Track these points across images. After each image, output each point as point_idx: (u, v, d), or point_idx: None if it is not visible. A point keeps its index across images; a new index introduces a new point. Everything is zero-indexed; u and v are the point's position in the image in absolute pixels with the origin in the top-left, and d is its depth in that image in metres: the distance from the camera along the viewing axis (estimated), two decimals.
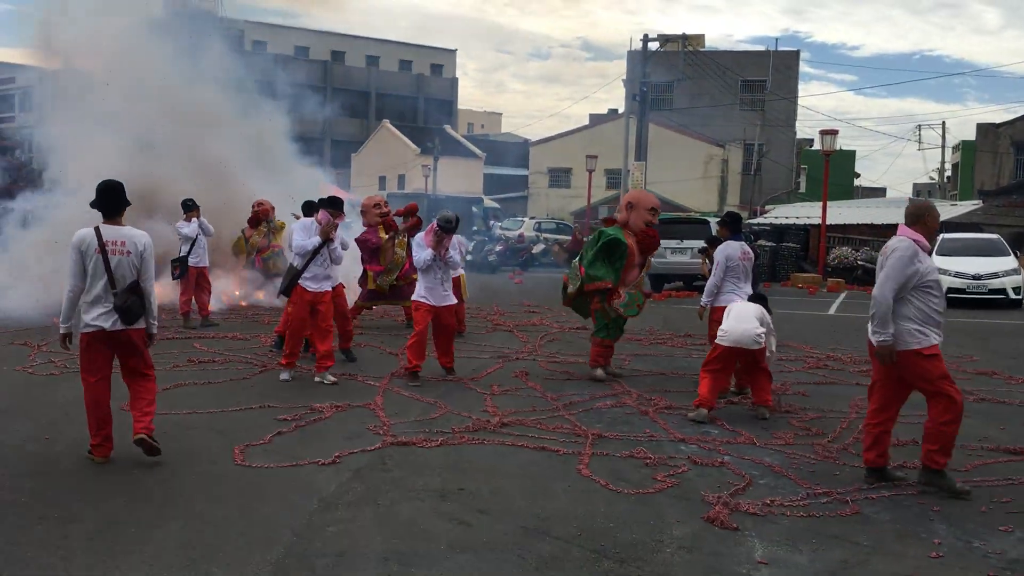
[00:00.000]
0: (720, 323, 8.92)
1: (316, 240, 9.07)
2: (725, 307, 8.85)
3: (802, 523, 5.41)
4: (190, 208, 13.17)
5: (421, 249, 9.32)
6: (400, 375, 9.51)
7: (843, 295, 22.70)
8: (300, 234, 9.23)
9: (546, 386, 9.31)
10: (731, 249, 9.01)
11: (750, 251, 9.30)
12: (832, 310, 18.73)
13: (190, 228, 12.99)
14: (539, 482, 6.10)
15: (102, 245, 6.14)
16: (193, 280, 13.06)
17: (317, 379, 9.14)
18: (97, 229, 6.20)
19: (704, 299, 9.26)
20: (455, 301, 9.74)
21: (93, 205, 6.36)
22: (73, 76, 17.34)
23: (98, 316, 6.16)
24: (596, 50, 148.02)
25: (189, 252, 12.97)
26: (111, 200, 6.29)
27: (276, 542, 4.93)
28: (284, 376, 9.22)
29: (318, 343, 9.17)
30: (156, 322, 6.49)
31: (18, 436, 7.01)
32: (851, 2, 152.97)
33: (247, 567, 4.61)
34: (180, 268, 12.90)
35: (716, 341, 8.16)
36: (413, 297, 9.51)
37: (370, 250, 12.98)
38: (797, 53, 51.17)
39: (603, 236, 9.72)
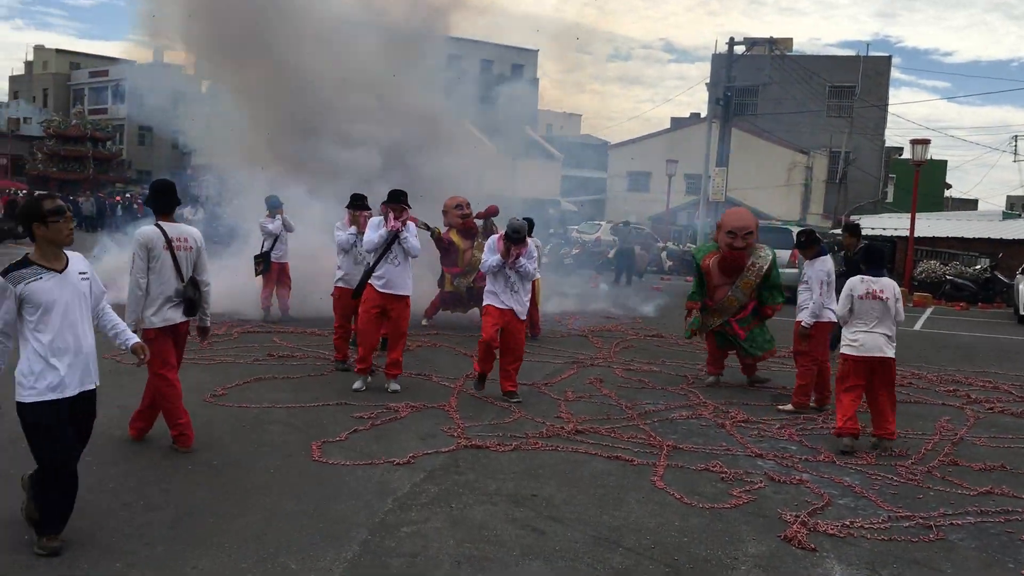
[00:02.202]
0: (821, 340, 8.73)
1: (384, 232, 8.63)
2: (826, 323, 8.64)
3: (883, 547, 5.26)
4: (274, 206, 13.43)
5: (491, 253, 8.77)
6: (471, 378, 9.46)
7: (930, 310, 22.03)
8: (370, 231, 8.85)
9: (620, 394, 9.24)
10: (829, 265, 8.83)
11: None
12: (918, 326, 18.18)
13: (274, 225, 13.25)
14: (612, 492, 6.06)
15: (168, 242, 6.37)
16: (275, 276, 13.32)
17: (385, 385, 8.92)
18: (160, 226, 6.42)
19: (809, 318, 8.72)
20: (517, 307, 8.76)
21: (146, 203, 6.69)
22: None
23: (169, 310, 6.40)
24: (678, 52, 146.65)
25: (272, 248, 13.23)
26: (169, 199, 6.55)
27: (351, 540, 4.99)
28: (357, 385, 8.83)
29: (389, 349, 8.98)
30: (209, 316, 6.76)
31: (105, 422, 7.19)
32: (945, 6, 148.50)
33: (321, 563, 4.67)
34: (263, 264, 13.17)
35: (845, 353, 7.58)
36: (485, 302, 8.88)
37: (444, 251, 13.05)
38: (889, 59, 49.91)
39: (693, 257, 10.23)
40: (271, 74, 15.90)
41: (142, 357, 5.10)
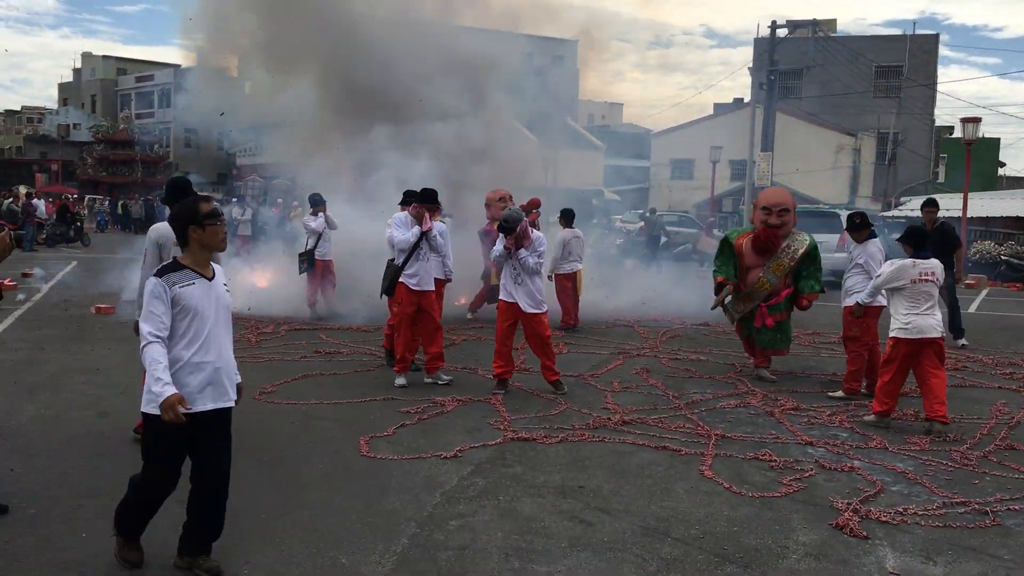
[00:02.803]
0: (865, 324, 8.57)
1: (416, 231, 8.70)
2: (874, 308, 8.45)
3: (937, 533, 5.17)
4: (317, 203, 13.54)
5: (500, 243, 8.64)
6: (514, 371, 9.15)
7: (984, 292, 21.57)
8: (399, 229, 8.92)
9: (667, 384, 9.19)
10: (881, 247, 8.71)
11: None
12: (973, 308, 17.81)
13: (317, 223, 13.36)
14: (660, 482, 6.02)
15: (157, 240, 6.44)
16: (320, 273, 13.44)
17: (428, 380, 8.94)
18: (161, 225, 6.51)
19: (866, 297, 8.38)
20: (540, 309, 8.64)
21: (163, 201, 6.76)
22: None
23: None
24: (720, 37, 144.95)
25: (316, 246, 13.35)
26: (182, 196, 6.50)
27: (400, 533, 5.03)
28: (400, 382, 8.84)
29: (426, 345, 9.00)
30: None
31: None
32: None
33: (371, 556, 4.71)
34: (307, 262, 13.30)
35: (896, 336, 7.50)
36: (501, 297, 8.75)
37: (492, 244, 13.05)
38: (936, 36, 48.70)
39: (726, 238, 9.93)
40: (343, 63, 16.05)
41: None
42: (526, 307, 8.56)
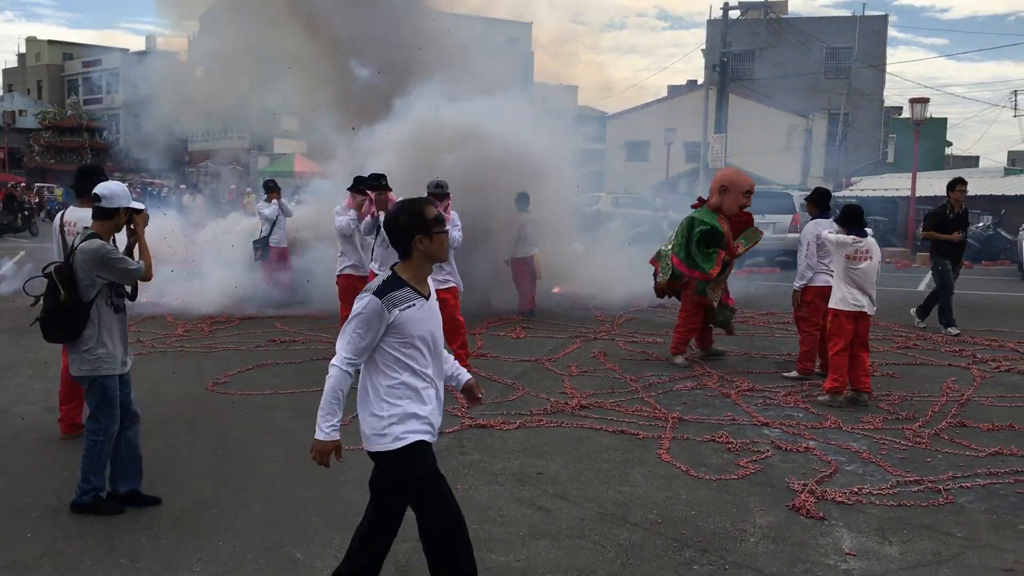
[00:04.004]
0: (813, 304, 8.67)
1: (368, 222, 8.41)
2: (817, 288, 8.58)
3: (892, 512, 5.23)
4: (271, 189, 13.35)
5: None
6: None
7: None
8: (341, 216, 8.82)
9: (625, 367, 9.20)
10: (821, 227, 8.66)
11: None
12: (922, 286, 18.09)
13: (270, 210, 13.17)
14: (618, 467, 6.02)
15: (61, 225, 6.47)
16: (274, 260, 13.26)
17: None
18: (65, 212, 6.56)
19: (797, 282, 8.77)
20: (457, 283, 8.52)
21: (75, 187, 6.56)
22: None
23: None
24: (673, 19, 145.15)
25: (270, 233, 13.16)
26: (81, 183, 6.37)
27: (356, 526, 4.95)
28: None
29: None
30: None
31: None
32: None
33: (328, 549, 4.66)
34: (261, 250, 13.12)
35: (835, 308, 7.79)
36: None
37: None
38: (885, 18, 49.44)
39: (696, 224, 9.35)
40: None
41: (479, 395, 4.28)
42: (447, 283, 8.29)
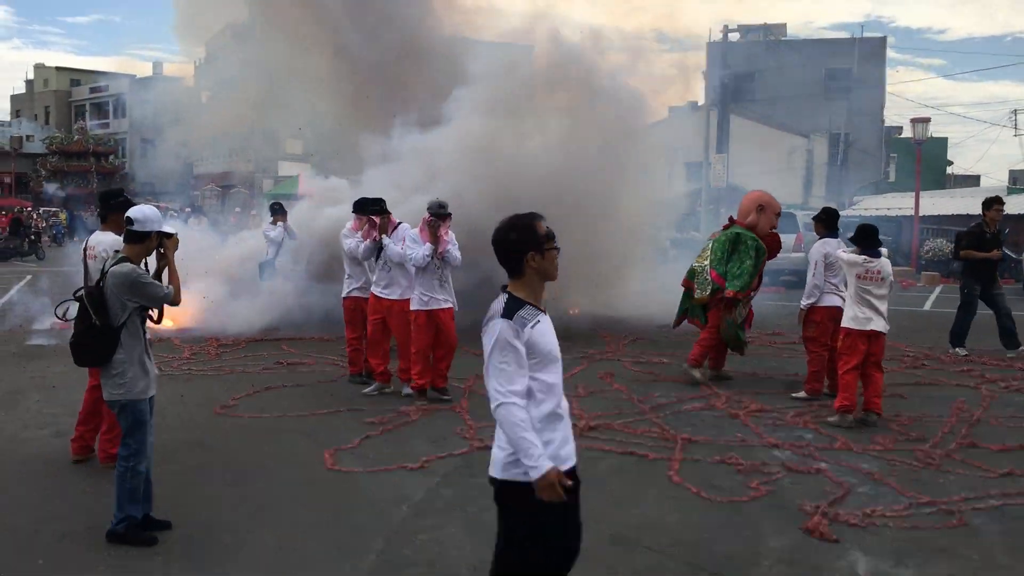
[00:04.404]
0: (821, 324, 8.66)
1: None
2: (825, 308, 8.58)
3: (906, 535, 5.20)
4: (276, 212, 13.39)
5: (418, 246, 8.28)
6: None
7: (939, 289, 21.92)
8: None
9: (632, 388, 9.18)
10: (829, 247, 8.67)
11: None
12: (927, 305, 18.10)
13: (275, 232, 13.21)
14: (628, 489, 6.00)
15: (85, 249, 6.42)
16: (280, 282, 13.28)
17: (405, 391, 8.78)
18: (90, 236, 6.50)
19: (804, 301, 8.79)
20: (453, 304, 8.56)
21: (100, 214, 6.61)
22: None
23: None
24: (672, 41, 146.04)
25: (276, 255, 13.19)
26: (104, 209, 6.48)
27: (367, 549, 4.95)
28: (406, 391, 8.72)
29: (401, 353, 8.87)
30: None
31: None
32: None
33: (339, 574, 4.63)
34: (267, 272, 13.14)
35: (848, 327, 7.80)
36: (412, 307, 8.43)
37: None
38: (884, 39, 49.60)
39: (746, 240, 9.35)
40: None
41: None
42: (447, 304, 8.46)
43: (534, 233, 3.44)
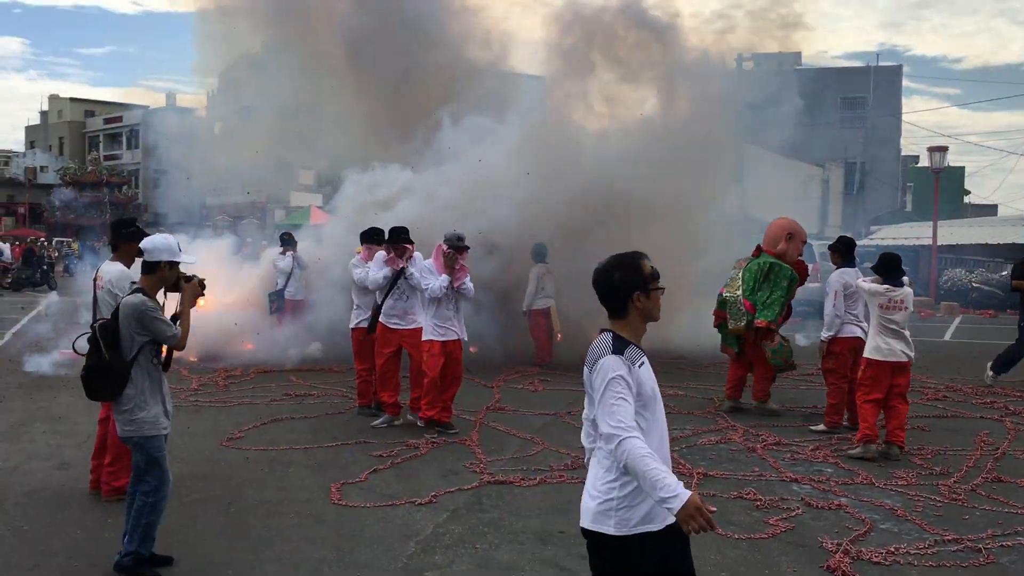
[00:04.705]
0: (841, 356, 8.49)
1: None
2: (845, 339, 8.41)
3: (932, 574, 5.01)
4: (287, 243, 13.34)
5: (432, 276, 8.26)
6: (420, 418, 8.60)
7: (958, 319, 21.67)
8: (374, 267, 8.67)
9: None
10: (847, 277, 8.51)
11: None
12: (948, 336, 17.85)
13: (285, 263, 13.14)
14: None
15: (95, 279, 6.28)
16: (289, 313, 13.19)
17: (410, 418, 8.76)
18: (101, 266, 6.36)
19: (825, 333, 8.62)
20: (463, 336, 8.53)
21: (112, 242, 6.43)
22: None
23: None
24: (688, 69, 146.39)
25: (285, 286, 13.12)
26: (115, 238, 6.35)
27: None
28: (398, 421, 8.70)
29: (412, 385, 8.77)
30: None
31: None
32: (950, 14, 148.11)
33: None
34: (276, 302, 13.07)
35: (869, 357, 7.65)
36: (423, 336, 8.36)
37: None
38: (899, 68, 49.57)
39: (779, 269, 9.20)
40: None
41: None
42: (461, 335, 8.49)
43: (640, 272, 3.28)
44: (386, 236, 8.77)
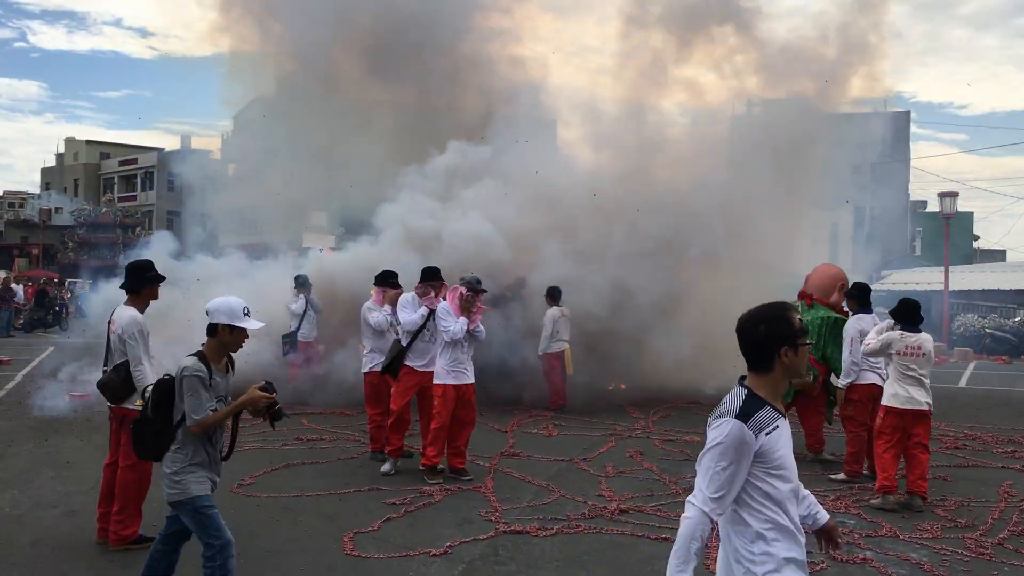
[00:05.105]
0: (859, 403, 8.37)
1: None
2: (864, 386, 8.29)
3: None
4: (301, 285, 13.30)
5: (451, 318, 8.12)
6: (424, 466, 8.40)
7: (972, 365, 21.46)
8: (405, 310, 8.53)
9: (663, 467, 8.86)
10: (864, 323, 8.41)
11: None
12: (963, 382, 17.66)
13: (297, 305, 13.09)
14: None
15: (109, 322, 6.25)
16: (303, 355, 13.11)
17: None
18: (116, 310, 6.32)
19: (843, 380, 8.51)
20: (472, 380, 8.41)
21: (126, 285, 6.37)
22: None
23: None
24: (693, 115, 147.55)
25: (298, 328, 13.05)
26: (129, 280, 6.29)
27: None
28: (386, 468, 8.58)
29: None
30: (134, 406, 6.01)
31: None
32: (956, 61, 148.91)
33: None
34: (290, 344, 12.99)
35: (888, 404, 7.54)
36: (436, 381, 8.24)
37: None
38: (907, 114, 49.72)
39: (840, 323, 9.10)
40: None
41: (839, 540, 3.56)
42: (471, 379, 8.39)
43: (790, 326, 3.06)
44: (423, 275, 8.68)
